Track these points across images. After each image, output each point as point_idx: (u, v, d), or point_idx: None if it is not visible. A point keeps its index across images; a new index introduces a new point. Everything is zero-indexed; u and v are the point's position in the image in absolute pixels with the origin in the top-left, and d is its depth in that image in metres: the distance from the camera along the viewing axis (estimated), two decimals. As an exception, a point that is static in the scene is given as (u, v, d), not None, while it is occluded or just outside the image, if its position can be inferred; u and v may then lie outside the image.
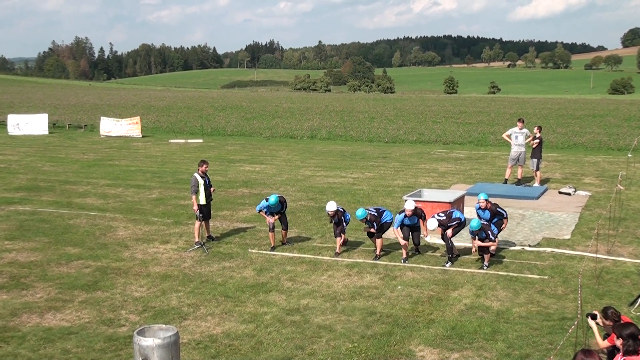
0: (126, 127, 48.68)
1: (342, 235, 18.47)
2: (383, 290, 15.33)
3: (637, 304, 14.05)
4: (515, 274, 16.36)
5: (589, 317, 9.81)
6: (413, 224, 17.73)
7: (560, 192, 25.36)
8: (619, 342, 8.41)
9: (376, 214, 18.01)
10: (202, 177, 19.27)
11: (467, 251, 17.69)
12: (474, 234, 16.74)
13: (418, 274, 16.47)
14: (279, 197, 18.76)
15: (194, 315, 14.01)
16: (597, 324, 9.59)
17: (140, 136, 47.47)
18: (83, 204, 24.50)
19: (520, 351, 12.26)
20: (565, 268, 16.75)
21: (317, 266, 17.17)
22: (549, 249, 18.33)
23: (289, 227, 19.07)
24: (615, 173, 29.06)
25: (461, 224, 17.51)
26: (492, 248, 16.71)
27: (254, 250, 18.54)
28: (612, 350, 8.71)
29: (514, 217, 21.62)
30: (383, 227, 18.14)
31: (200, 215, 19.01)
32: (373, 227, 17.88)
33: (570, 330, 12.20)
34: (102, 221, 21.94)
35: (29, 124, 49.94)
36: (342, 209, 18.79)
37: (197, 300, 14.84)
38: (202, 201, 19.21)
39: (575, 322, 12.12)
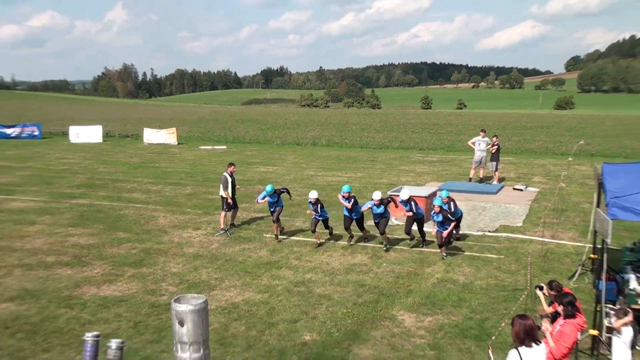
0: (165, 136, 48.68)
1: (316, 231, 17.60)
2: (371, 267, 15.45)
3: (575, 277, 14.17)
4: (477, 254, 16.47)
5: (537, 288, 9.88)
6: (381, 213, 17.00)
7: (514, 189, 25.41)
8: (560, 308, 8.47)
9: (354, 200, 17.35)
10: (230, 176, 19.35)
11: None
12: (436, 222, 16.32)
13: (399, 254, 16.59)
14: (273, 186, 18.55)
15: (219, 286, 14.11)
16: (543, 294, 9.67)
17: (176, 143, 47.46)
18: (130, 198, 24.58)
19: (481, 315, 12.36)
20: (517, 249, 16.85)
21: (318, 248, 17.28)
22: (504, 234, 18.42)
23: (295, 217, 19.19)
24: (558, 173, 29.09)
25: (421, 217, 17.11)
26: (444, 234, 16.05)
27: (267, 235, 18.62)
28: (555, 315, 8.77)
29: (476, 209, 21.70)
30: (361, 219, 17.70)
31: (227, 206, 19.15)
32: (350, 202, 17.18)
33: (521, 299, 12.29)
34: (146, 212, 22.02)
35: (87, 134, 49.95)
36: (322, 205, 17.78)
37: (222, 275, 14.94)
38: (230, 194, 19.33)
39: (526, 292, 12.23)
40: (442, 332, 11.63)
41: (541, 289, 9.74)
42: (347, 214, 17.55)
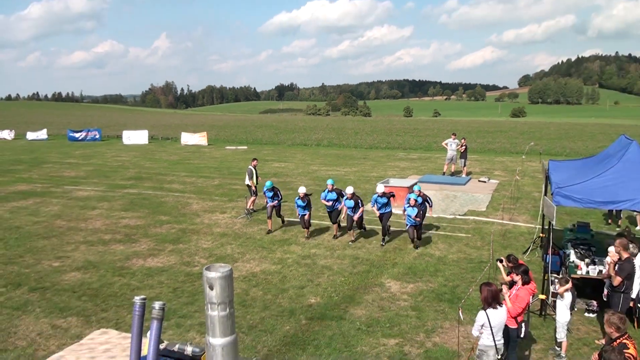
0: (198, 138, 48.53)
1: (309, 223, 15.95)
2: (364, 244, 15.32)
3: (528, 252, 14.09)
4: (449, 233, 16.33)
5: (498, 261, 9.77)
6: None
7: (479, 181, 25.28)
8: (517, 277, 8.42)
9: (339, 193, 15.88)
10: (254, 168, 19.27)
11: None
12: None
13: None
14: (272, 183, 17.05)
15: (241, 259, 14.01)
16: (502, 265, 9.56)
17: (207, 144, 47.31)
18: (170, 188, 24.46)
19: (453, 283, 12.25)
20: (482, 229, 16.71)
21: (321, 228, 17.14)
22: (471, 217, 18.29)
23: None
24: (514, 168, 28.94)
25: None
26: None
27: (279, 219, 18.49)
28: (512, 282, 8.70)
29: (449, 197, 21.55)
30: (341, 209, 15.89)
31: (253, 192, 19.14)
32: (339, 196, 15.74)
33: (485, 269, 12.20)
34: (182, 199, 21.91)
35: (136, 137, 49.83)
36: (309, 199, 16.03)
37: (243, 250, 14.82)
38: (254, 183, 19.24)
39: (489, 264, 12.12)
40: (422, 296, 11.52)
41: (501, 261, 9.63)
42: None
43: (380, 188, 15.51)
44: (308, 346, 9.39)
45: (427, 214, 15.36)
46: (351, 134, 58.39)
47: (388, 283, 12.29)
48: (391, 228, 16.16)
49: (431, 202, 15.84)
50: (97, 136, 52.80)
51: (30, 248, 15.22)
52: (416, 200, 14.74)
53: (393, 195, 15.81)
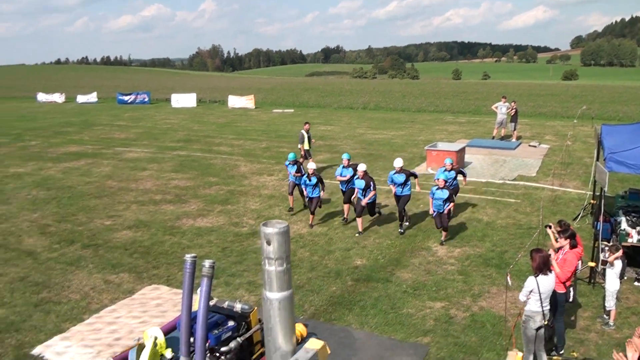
0: (245, 101, 48.71)
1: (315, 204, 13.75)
2: (411, 208, 15.23)
3: (578, 219, 13.78)
4: (498, 198, 16.08)
5: (547, 227, 9.60)
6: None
7: (529, 145, 24.71)
8: (564, 241, 8.29)
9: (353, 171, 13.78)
10: (306, 132, 19.28)
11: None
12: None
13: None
14: (295, 155, 15.15)
15: (289, 220, 14.12)
16: (552, 231, 9.39)
17: (254, 108, 47.49)
18: (218, 150, 24.78)
19: (500, 248, 12.12)
20: (531, 195, 16.39)
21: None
22: (521, 183, 17.93)
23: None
24: (565, 133, 28.12)
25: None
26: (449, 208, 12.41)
27: (327, 181, 18.51)
28: (560, 248, 8.57)
29: (498, 162, 21.15)
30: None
31: (306, 155, 19.22)
32: (351, 173, 13.77)
33: (534, 236, 12.02)
34: (230, 161, 22.18)
35: (184, 100, 50.34)
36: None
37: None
38: (307, 147, 19.29)
39: (538, 230, 11.93)
40: (469, 261, 11.45)
41: (550, 227, 9.46)
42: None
43: (397, 162, 13.37)
44: (354, 307, 9.50)
45: (460, 187, 14.09)
46: (398, 97, 57.66)
47: (435, 247, 12.25)
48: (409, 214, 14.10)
49: (465, 173, 14.36)
50: (146, 99, 53.61)
51: (83, 207, 15.75)
52: (446, 181, 12.57)
53: (414, 175, 13.62)
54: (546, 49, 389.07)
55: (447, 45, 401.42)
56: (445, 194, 12.21)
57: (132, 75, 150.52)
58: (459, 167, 14.39)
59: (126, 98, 53.69)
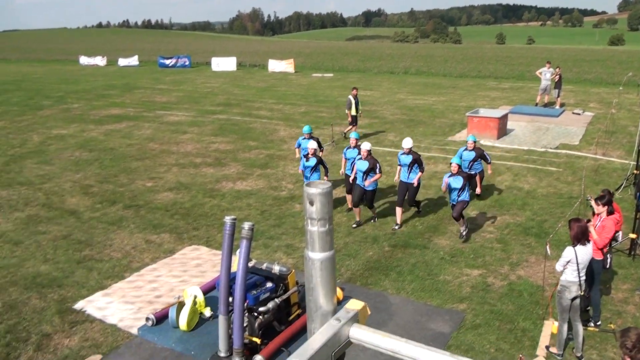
0: (285, 65, 48.62)
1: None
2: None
3: (621, 189, 13.47)
4: (540, 167, 15.80)
5: (588, 199, 9.41)
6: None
7: (573, 113, 24.10)
8: (602, 209, 8.13)
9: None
10: (354, 98, 19.15)
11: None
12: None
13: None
14: (311, 128, 13.52)
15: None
16: (595, 204, 9.21)
17: (293, 72, 47.38)
18: (258, 114, 24.88)
19: (541, 217, 11.96)
20: (574, 164, 16.05)
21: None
22: (563, 151, 17.55)
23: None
24: (610, 100, 27.29)
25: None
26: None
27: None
28: (598, 214, 8.41)
29: (541, 129, 20.74)
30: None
31: (353, 121, 19.14)
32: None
33: (575, 205, 11.81)
34: (270, 125, 22.27)
35: (225, 64, 50.54)
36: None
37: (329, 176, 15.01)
38: (354, 112, 19.20)
39: (579, 200, 11.70)
40: (508, 229, 11.35)
41: (590, 200, 9.27)
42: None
43: (406, 143, 11.41)
44: (391, 272, 9.55)
45: (484, 175, 12.56)
46: (440, 61, 56.65)
47: (474, 214, 12.17)
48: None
49: (489, 158, 12.58)
50: (187, 63, 53.98)
51: (124, 168, 16.10)
52: (459, 166, 10.62)
53: (419, 162, 11.45)
54: (593, 12, 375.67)
55: (491, 8, 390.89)
56: (459, 182, 10.42)
57: (173, 38, 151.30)
58: (483, 150, 12.62)
59: (167, 61, 54.15)
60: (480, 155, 12.41)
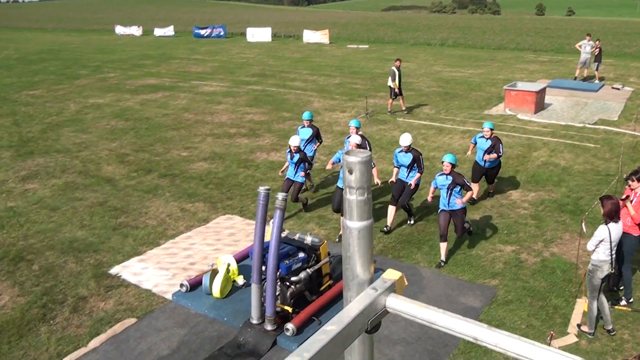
0: (319, 36, 48.24)
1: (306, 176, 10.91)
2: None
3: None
4: (577, 143, 15.47)
5: (626, 179, 9.20)
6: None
7: (612, 87, 23.46)
8: (638, 185, 7.92)
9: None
10: (397, 69, 18.88)
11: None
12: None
13: (510, 139, 15.81)
14: (312, 114, 12.11)
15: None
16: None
17: (328, 43, 46.97)
18: (292, 86, 24.84)
19: (577, 194, 11.77)
20: (612, 140, 15.67)
21: (441, 131, 16.83)
22: (602, 127, 17.13)
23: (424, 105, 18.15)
24: (657, 76, 26.52)
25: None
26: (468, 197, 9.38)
27: (400, 119, 18.34)
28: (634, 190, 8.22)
29: (579, 104, 20.26)
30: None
31: (394, 94, 18.84)
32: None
33: (612, 183, 11.58)
34: (304, 97, 22.23)
35: (260, 34, 50.37)
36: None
37: (362, 149, 14.96)
38: (395, 84, 18.85)
39: (616, 178, 11.47)
40: (543, 205, 11.21)
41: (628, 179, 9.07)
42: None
43: (404, 139, 9.92)
44: (423, 246, 9.55)
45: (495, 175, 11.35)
46: (478, 33, 55.47)
47: (509, 190, 12.03)
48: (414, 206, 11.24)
49: (502, 150, 11.05)
50: (222, 33, 53.96)
51: (160, 138, 16.32)
52: (452, 165, 8.96)
53: (418, 162, 10.06)
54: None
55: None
56: (448, 180, 8.94)
57: (208, 8, 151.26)
58: (500, 140, 11.17)
59: (202, 32, 54.20)
60: (495, 145, 10.90)
